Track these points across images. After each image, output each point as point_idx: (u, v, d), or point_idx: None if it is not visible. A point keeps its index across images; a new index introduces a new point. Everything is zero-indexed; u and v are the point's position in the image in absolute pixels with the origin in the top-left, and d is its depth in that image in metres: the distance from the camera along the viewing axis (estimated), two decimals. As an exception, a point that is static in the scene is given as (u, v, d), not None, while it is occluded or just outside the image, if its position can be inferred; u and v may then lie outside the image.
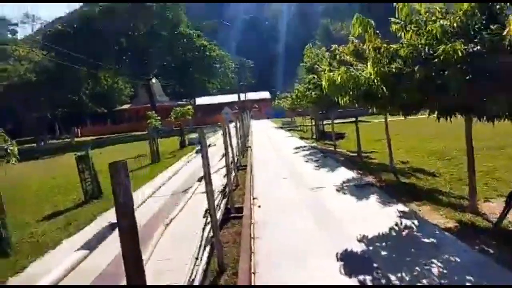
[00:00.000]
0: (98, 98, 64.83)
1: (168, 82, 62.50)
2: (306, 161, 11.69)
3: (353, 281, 3.94)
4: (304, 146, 16.10)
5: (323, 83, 5.81)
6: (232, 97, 59.72)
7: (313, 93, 12.89)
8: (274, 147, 17.20)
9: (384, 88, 5.22)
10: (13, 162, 6.69)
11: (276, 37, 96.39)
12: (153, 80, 61.71)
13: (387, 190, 7.47)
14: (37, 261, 5.58)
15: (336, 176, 9.07)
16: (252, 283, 3.89)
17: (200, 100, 64.93)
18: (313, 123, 21.74)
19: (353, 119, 24.34)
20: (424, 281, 3.82)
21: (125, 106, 65.95)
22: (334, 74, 5.61)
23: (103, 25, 48.71)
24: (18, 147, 6.85)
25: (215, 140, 10.84)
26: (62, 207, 9.15)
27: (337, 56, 9.55)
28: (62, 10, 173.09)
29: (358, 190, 7.63)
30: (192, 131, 44.21)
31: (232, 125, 12.16)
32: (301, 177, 9.32)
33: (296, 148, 15.66)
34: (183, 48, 54.09)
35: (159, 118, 23.11)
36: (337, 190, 7.71)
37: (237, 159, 10.67)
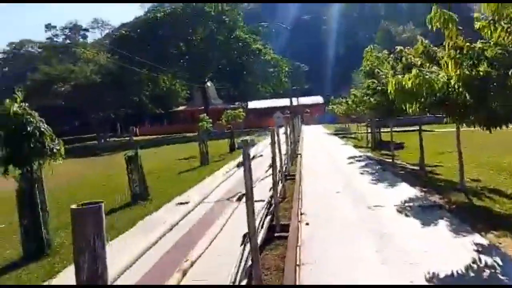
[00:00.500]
0: (156, 100, 67.99)
1: (222, 86, 63.62)
2: (362, 173, 10.69)
3: None
4: (359, 156, 14.96)
5: (389, 88, 5.00)
6: (284, 101, 59.09)
7: (371, 98, 11.84)
8: (326, 155, 16.24)
9: (467, 94, 4.28)
10: (59, 161, 6.65)
11: (333, 41, 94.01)
12: (208, 84, 63.12)
13: (458, 214, 6.36)
14: (70, 267, 5.37)
15: (397, 193, 8.04)
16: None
17: (253, 104, 65.13)
18: (369, 131, 20.41)
19: (413, 127, 22.65)
20: None
21: (181, 108, 68.23)
22: (403, 78, 4.74)
23: (164, 30, 50.84)
24: (78, 144, 6.81)
25: (264, 148, 10.32)
26: (107, 208, 9.12)
27: (403, 59, 8.52)
28: (129, 16, 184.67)
29: (424, 212, 6.60)
30: (243, 133, 44.65)
31: (282, 131, 11.75)
32: (356, 192, 8.40)
33: (350, 157, 14.59)
34: (238, 52, 54.63)
35: (210, 120, 23.20)
36: (399, 211, 6.72)
37: (286, 167, 10.01)
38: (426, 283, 4.04)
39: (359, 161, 13.50)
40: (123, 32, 54.25)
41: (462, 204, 7.04)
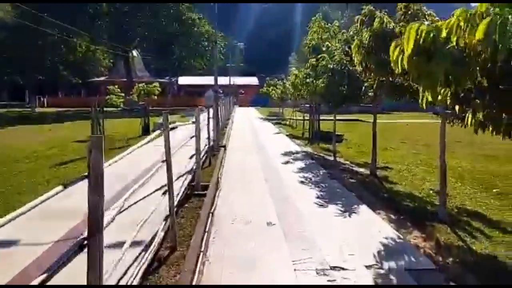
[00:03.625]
0: (73, 67, 59.97)
1: (150, 57, 57.72)
2: (302, 183, 7.88)
3: None
4: (296, 152, 12.26)
5: (395, 53, 2.05)
6: (219, 80, 55.32)
7: (318, 81, 9.13)
8: (257, 149, 12.88)
9: None
10: None
11: (271, 23, 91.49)
12: (134, 53, 56.69)
13: None
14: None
15: (359, 229, 5.18)
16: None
17: (184, 80, 60.41)
18: (305, 118, 18.05)
19: (349, 117, 20.78)
20: None
21: (101, 79, 60.68)
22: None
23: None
24: None
25: (185, 133, 7.12)
26: None
27: (375, 21, 5.74)
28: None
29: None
30: (169, 113, 40.09)
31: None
32: (299, 227, 5.26)
33: (286, 154, 11.81)
34: (169, 20, 49.05)
35: (122, 94, 19.02)
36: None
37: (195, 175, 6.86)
38: None
39: (297, 160, 10.78)
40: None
41: (466, 260, 4.41)
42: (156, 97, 17.79)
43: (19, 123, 27.77)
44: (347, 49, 8.08)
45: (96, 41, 50.82)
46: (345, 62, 8.32)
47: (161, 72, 59.42)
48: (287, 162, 10.12)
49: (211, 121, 10.46)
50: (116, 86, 19.05)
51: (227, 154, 11.05)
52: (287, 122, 24.95)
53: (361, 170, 9.65)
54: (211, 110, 12.99)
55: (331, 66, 8.47)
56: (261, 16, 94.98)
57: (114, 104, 18.52)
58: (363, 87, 8.12)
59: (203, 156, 8.18)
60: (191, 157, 7.14)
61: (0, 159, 11.40)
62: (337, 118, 11.54)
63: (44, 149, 13.81)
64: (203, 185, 6.71)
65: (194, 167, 6.87)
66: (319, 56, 9.06)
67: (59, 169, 9.86)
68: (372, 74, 6.03)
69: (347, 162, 10.79)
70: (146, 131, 17.87)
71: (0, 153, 14.19)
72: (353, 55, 6.27)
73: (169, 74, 58.09)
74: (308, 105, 20.19)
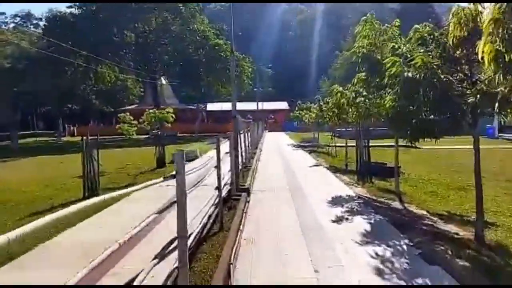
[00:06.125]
0: (104, 97, 60.70)
1: (180, 84, 56.88)
2: (381, 275, 4.64)
3: None
4: (348, 198, 8.93)
5: None
6: (247, 105, 53.42)
7: (387, 98, 6.08)
8: (292, 193, 9.50)
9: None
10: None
11: (300, 48, 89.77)
12: (163, 81, 56.21)
13: None
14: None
15: None
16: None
17: (212, 106, 59.10)
18: (347, 145, 14.78)
19: (383, 142, 17.10)
20: None
21: (131, 107, 60.48)
22: None
23: (106, 15, 43.09)
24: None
25: (208, 163, 4.41)
26: None
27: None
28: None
29: None
30: (196, 140, 37.93)
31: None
32: None
33: (334, 201, 8.54)
34: (195, 47, 47.97)
35: (135, 122, 16.74)
36: None
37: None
38: None
39: (352, 211, 7.49)
40: (58, 13, 45.72)
41: None
42: (169, 124, 15.30)
43: (39, 153, 26.49)
44: (444, 41, 5.04)
45: (124, 69, 50.57)
46: (434, 67, 5.22)
47: (191, 99, 58.45)
48: (340, 220, 6.81)
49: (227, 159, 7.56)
50: (128, 114, 16.80)
51: (250, 205, 7.89)
52: (324, 150, 21.69)
53: (453, 228, 6.33)
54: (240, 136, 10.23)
55: (409, 75, 5.38)
56: (287, 42, 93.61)
57: (125, 133, 16.22)
58: (466, 105, 4.99)
59: (209, 217, 5.22)
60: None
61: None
62: (376, 144, 8.35)
63: (35, 189, 11.49)
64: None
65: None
66: (387, 60, 6.01)
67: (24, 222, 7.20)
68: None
69: (424, 213, 7.45)
70: (161, 163, 15.30)
71: None
72: (480, 47, 3.29)
73: (197, 100, 56.96)
74: (345, 129, 16.99)
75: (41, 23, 49.60)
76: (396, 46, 6.90)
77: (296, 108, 32.60)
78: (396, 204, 8.20)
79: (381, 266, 4.75)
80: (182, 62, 48.45)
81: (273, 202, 8.52)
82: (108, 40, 42.82)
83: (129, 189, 10.16)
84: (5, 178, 14.05)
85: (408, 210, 7.64)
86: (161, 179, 11.39)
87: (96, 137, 10.83)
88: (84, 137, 10.11)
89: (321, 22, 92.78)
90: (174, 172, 3.37)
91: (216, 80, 50.65)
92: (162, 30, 46.80)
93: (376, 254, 5.22)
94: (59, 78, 42.65)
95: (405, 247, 5.61)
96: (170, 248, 3.61)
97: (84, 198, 9.60)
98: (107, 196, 9.24)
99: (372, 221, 6.79)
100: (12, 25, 53.70)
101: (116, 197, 9.36)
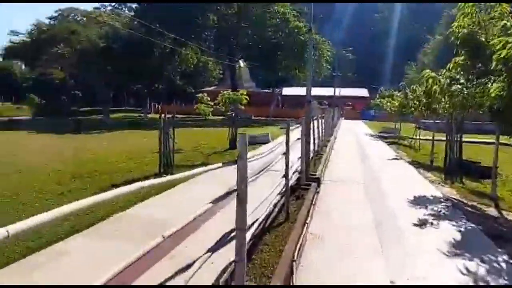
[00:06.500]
0: (188, 78, 63.97)
1: (258, 68, 57.27)
2: None
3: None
4: (433, 199, 7.86)
5: None
6: (325, 91, 51.82)
7: (493, 85, 5.05)
8: (368, 187, 8.70)
9: None
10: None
11: (385, 31, 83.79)
12: (241, 63, 57.05)
13: None
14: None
15: None
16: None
17: (287, 91, 58.60)
18: (434, 139, 13.20)
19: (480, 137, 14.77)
20: None
21: (208, 88, 62.80)
22: None
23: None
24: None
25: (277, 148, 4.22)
26: None
27: None
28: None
29: None
30: (270, 124, 37.94)
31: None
32: None
33: (417, 201, 7.55)
34: (274, 30, 47.51)
35: (211, 103, 17.08)
36: None
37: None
38: None
39: (439, 216, 6.50)
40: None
41: None
42: (243, 106, 15.25)
43: (126, 128, 28.79)
44: None
45: (205, 52, 52.27)
46: None
47: (268, 82, 58.52)
48: (423, 224, 5.92)
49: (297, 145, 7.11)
50: (206, 95, 17.16)
51: (319, 196, 7.37)
52: (405, 142, 19.96)
53: None
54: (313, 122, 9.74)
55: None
56: (371, 25, 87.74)
57: (202, 113, 16.63)
58: None
59: (275, 205, 4.88)
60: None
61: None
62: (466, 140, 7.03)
63: (119, 160, 12.37)
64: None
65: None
66: (495, 41, 4.95)
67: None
68: None
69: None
70: (233, 144, 15.44)
71: (72, 156, 13.34)
72: None
73: (274, 84, 56.85)
74: (433, 121, 15.22)
75: (134, 6, 53.05)
76: (509, 25, 5.70)
77: (377, 96, 30.55)
78: (492, 211, 7.02)
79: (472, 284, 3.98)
80: (260, 45, 48.36)
81: (346, 195, 7.89)
82: (191, 22, 44.42)
83: (200, 169, 10.33)
84: (95, 149, 15.42)
85: (507, 219, 6.48)
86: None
87: (172, 115, 11.15)
88: (162, 115, 10.47)
89: (408, 4, 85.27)
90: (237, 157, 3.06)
91: (293, 64, 49.80)
92: (243, 12, 47.07)
93: (467, 269, 4.41)
94: (149, 58, 45.58)
95: (503, 264, 4.69)
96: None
97: (160, 173, 10.02)
98: (177, 176, 9.48)
99: (462, 229, 5.83)
100: (109, 8, 58.81)
101: (189, 176, 9.57)
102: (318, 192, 7.41)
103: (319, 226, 5.54)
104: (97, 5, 62.34)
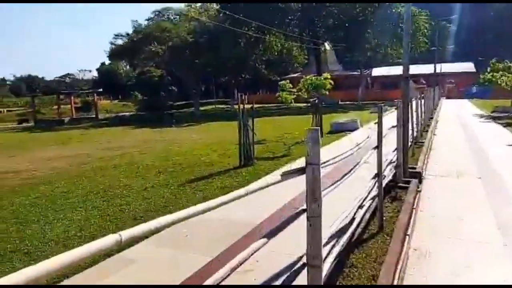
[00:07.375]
0: (272, 66, 63.84)
1: (345, 49, 54.18)
2: None
3: None
4: None
5: None
6: (421, 68, 46.81)
7: None
8: (485, 185, 6.71)
9: None
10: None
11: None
12: (326, 46, 54.65)
13: None
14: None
15: None
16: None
17: (378, 71, 54.51)
18: None
19: None
20: None
21: (293, 75, 61.75)
22: None
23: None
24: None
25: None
26: None
27: None
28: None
29: None
30: (359, 108, 35.58)
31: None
32: None
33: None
34: (362, 7, 44.06)
35: (294, 90, 16.34)
36: None
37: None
38: None
39: None
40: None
41: None
42: (327, 92, 14.08)
43: (214, 119, 29.70)
44: None
45: (289, 37, 51.11)
46: None
47: (355, 64, 55.06)
48: None
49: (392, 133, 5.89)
50: (288, 81, 16.40)
51: (422, 196, 6.00)
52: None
53: None
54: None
55: None
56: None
57: (284, 101, 15.94)
58: None
59: (365, 211, 3.93)
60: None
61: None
62: None
63: (203, 153, 12.49)
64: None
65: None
66: None
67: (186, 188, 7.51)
68: None
69: None
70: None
71: (162, 150, 13.83)
72: None
73: (362, 66, 53.23)
74: None
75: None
76: None
77: (488, 69, 26.11)
78: None
79: None
80: (347, 23, 45.38)
81: (457, 193, 6.41)
82: (274, 8, 43.73)
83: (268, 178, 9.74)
84: (183, 142, 15.91)
85: None
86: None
87: (251, 106, 10.75)
88: (240, 106, 10.13)
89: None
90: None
91: (384, 42, 45.73)
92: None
93: None
94: (234, 49, 46.37)
95: None
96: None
97: (240, 166, 9.68)
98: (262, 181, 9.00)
99: None
100: (198, 4, 61.25)
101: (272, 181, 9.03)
102: (419, 191, 6.11)
103: (424, 238, 4.39)
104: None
